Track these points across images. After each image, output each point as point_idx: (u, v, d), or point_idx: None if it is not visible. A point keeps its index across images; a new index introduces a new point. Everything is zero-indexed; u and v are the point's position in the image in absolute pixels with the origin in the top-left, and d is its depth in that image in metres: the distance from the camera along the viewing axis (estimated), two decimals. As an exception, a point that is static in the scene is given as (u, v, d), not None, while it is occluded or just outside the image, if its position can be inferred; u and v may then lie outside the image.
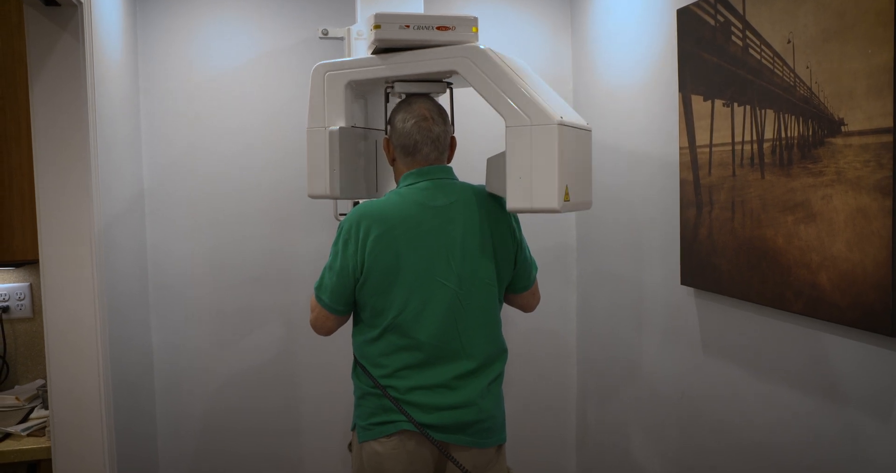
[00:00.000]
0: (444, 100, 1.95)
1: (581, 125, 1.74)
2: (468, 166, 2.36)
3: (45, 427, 2.13)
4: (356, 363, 1.87)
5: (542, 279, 2.39)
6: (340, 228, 1.80)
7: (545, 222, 2.87)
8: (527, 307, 2.02)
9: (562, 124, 1.63)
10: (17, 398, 2.31)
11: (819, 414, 1.58)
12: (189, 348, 2.68)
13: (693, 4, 1.93)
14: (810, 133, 1.53)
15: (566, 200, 1.65)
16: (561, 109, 1.72)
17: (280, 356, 2.75)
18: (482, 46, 1.76)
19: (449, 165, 1.88)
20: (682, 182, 2.02)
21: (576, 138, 1.70)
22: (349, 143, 1.93)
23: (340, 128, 1.88)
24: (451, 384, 1.79)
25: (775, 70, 1.63)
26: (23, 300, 2.48)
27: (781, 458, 1.71)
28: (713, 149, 1.87)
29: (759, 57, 1.68)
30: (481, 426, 1.81)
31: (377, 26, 1.76)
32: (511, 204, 1.68)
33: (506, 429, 1.91)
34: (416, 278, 1.76)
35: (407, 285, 1.76)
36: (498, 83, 1.70)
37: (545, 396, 2.94)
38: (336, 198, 2.00)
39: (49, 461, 2.00)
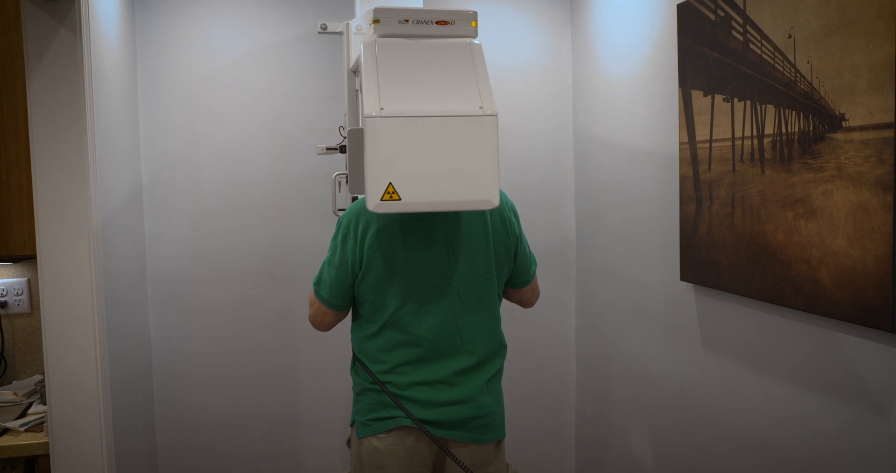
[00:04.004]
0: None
1: (454, 113, 1.56)
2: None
3: (43, 422, 2.12)
4: (355, 358, 1.86)
5: (542, 275, 2.38)
6: (339, 223, 1.79)
7: (544, 217, 2.87)
8: (526, 303, 2.02)
9: (376, 117, 1.51)
10: (15, 394, 2.30)
11: (819, 410, 1.58)
12: (187, 342, 2.68)
13: (693, -1, 1.92)
14: (811, 128, 1.53)
15: (391, 199, 1.52)
16: (418, 99, 1.58)
17: (279, 351, 2.74)
18: (366, 40, 1.69)
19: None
20: (682, 178, 2.02)
21: (427, 130, 1.54)
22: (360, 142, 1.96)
23: (350, 129, 1.93)
24: (450, 380, 1.78)
25: (776, 65, 1.62)
26: (21, 295, 2.47)
27: (781, 454, 1.71)
28: (713, 144, 1.87)
29: (759, 52, 1.68)
30: (480, 422, 1.81)
31: (376, 21, 1.75)
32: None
33: (505, 425, 1.91)
34: (415, 274, 1.75)
35: (406, 280, 1.75)
36: (363, 79, 1.63)
37: (544, 392, 2.94)
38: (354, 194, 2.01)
39: (47, 456, 1.99)
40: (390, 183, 1.53)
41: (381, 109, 1.53)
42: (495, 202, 1.57)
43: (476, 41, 1.75)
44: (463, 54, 1.70)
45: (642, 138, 2.30)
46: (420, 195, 1.54)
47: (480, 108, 1.56)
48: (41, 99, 1.89)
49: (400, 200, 1.53)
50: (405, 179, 1.53)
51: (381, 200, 1.53)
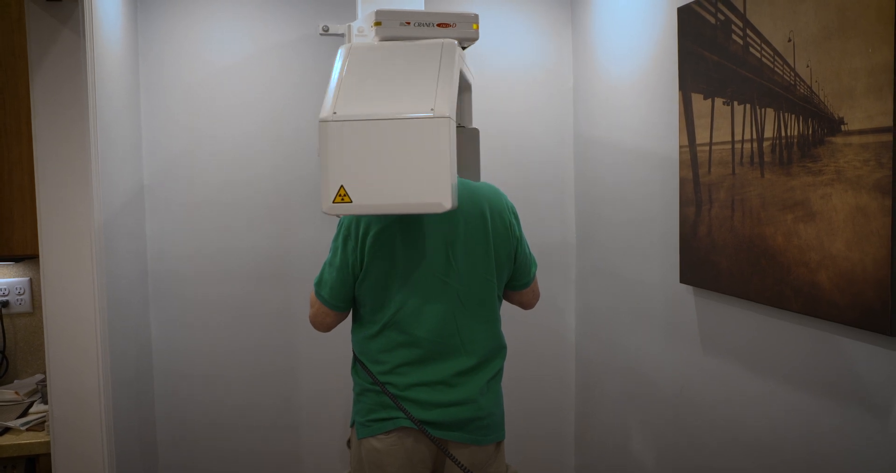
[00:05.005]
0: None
1: (405, 115, 1.54)
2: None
3: (44, 421, 2.13)
4: (355, 359, 1.87)
5: (542, 277, 2.39)
6: (340, 224, 1.80)
7: (544, 219, 2.88)
8: (526, 305, 2.02)
9: (329, 121, 1.53)
10: (16, 393, 2.31)
11: (817, 413, 1.59)
12: (188, 342, 2.68)
13: (694, 3, 1.92)
14: (810, 132, 1.53)
15: (343, 201, 1.53)
16: (373, 102, 1.58)
17: (279, 351, 2.75)
18: (345, 45, 1.72)
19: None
20: (682, 180, 2.02)
21: (379, 133, 1.53)
22: None
23: None
24: (450, 381, 1.79)
25: (775, 69, 1.63)
26: (23, 294, 2.48)
27: (779, 457, 1.71)
28: (713, 147, 1.87)
29: (759, 55, 1.68)
30: (480, 423, 1.82)
31: (378, 23, 1.76)
32: None
33: (505, 426, 1.91)
34: (416, 275, 1.76)
35: (406, 281, 1.76)
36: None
37: (544, 393, 2.95)
38: None
39: (48, 455, 2.00)
40: (342, 185, 1.53)
41: (334, 113, 1.54)
42: (447, 206, 1.53)
43: (453, 41, 1.72)
44: (431, 55, 1.67)
45: (642, 141, 2.31)
46: (370, 198, 1.54)
47: (432, 109, 1.52)
48: (44, 99, 1.90)
49: (351, 202, 1.53)
50: (356, 181, 1.53)
51: (333, 202, 1.54)
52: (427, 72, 1.62)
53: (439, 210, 1.52)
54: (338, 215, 1.66)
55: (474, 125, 2.13)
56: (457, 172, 1.59)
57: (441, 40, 1.72)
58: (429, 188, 1.52)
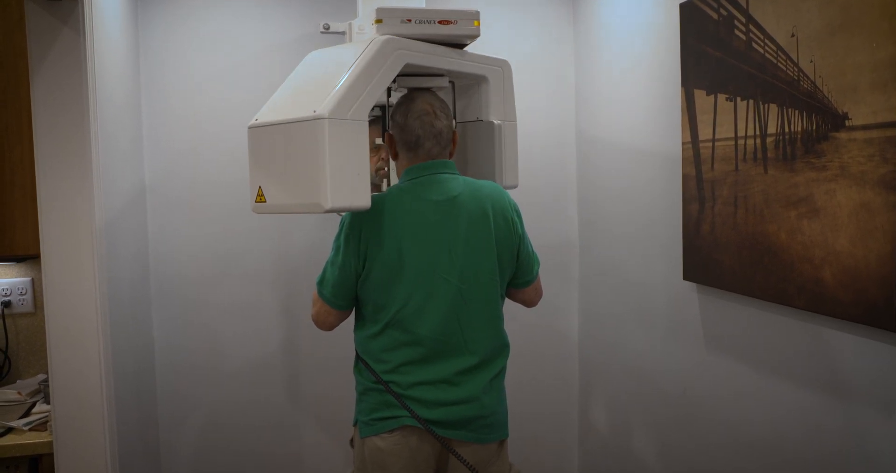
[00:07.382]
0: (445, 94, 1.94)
1: (292, 119, 1.59)
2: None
3: (46, 421, 2.13)
4: (358, 358, 1.87)
5: (544, 275, 2.38)
6: (342, 222, 1.80)
7: (547, 217, 2.87)
8: (529, 303, 2.02)
9: (251, 127, 1.65)
10: (18, 393, 2.31)
11: (822, 410, 1.58)
12: (190, 342, 2.68)
13: (696, -2, 1.92)
14: (814, 128, 1.52)
15: (261, 201, 1.66)
16: (285, 107, 1.65)
17: (282, 351, 2.75)
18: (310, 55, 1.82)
19: (451, 159, 1.88)
20: (685, 177, 2.01)
21: (278, 137, 1.61)
22: None
23: None
24: (453, 380, 1.78)
25: (779, 64, 1.62)
26: (24, 294, 2.48)
27: (784, 454, 1.71)
28: (716, 144, 1.86)
29: (762, 51, 1.67)
30: (483, 421, 1.81)
31: (378, 21, 1.75)
32: None
33: (508, 425, 1.91)
34: (418, 274, 1.75)
35: (409, 280, 1.75)
36: None
37: (547, 393, 2.94)
38: None
39: (51, 455, 2.00)
40: (259, 187, 1.66)
41: (256, 119, 1.65)
42: (326, 206, 1.55)
43: (383, 38, 1.71)
44: (353, 54, 1.69)
45: (645, 138, 2.30)
46: (277, 198, 1.64)
47: (314, 111, 1.55)
48: (44, 99, 1.89)
49: (266, 202, 1.66)
50: (269, 182, 1.65)
51: (255, 202, 1.67)
52: (338, 72, 1.66)
53: (319, 210, 1.57)
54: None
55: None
56: (368, 171, 1.64)
57: (371, 38, 1.72)
58: (312, 188, 1.57)
